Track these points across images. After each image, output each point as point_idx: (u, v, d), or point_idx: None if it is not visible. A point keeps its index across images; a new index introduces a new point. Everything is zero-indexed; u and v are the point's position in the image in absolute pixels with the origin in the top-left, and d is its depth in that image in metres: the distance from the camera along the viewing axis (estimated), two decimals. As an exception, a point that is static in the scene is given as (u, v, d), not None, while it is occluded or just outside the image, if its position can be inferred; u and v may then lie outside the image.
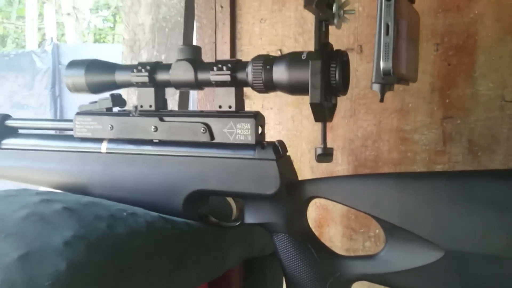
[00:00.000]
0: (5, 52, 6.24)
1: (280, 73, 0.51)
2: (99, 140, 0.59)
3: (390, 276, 0.48)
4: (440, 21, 0.97)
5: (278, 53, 1.10)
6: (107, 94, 0.61)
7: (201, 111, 0.56)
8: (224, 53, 1.13)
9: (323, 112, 0.49)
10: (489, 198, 0.45)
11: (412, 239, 0.46)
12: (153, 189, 0.56)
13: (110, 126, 0.58)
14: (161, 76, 0.56)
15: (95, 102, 0.60)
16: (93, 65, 0.59)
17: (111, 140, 0.58)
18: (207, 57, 1.15)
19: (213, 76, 0.53)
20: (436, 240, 0.45)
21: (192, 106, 1.20)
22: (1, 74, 5.06)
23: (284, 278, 0.54)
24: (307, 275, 0.52)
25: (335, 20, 0.49)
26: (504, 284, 0.44)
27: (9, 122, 0.66)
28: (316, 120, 0.50)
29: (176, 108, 1.14)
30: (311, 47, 1.08)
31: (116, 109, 0.61)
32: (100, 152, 0.59)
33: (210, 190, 0.54)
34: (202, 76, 0.54)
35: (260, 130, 0.54)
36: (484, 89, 0.95)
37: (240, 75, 0.53)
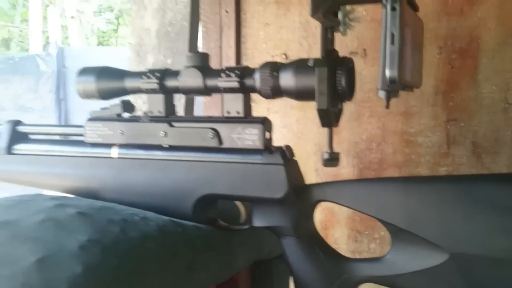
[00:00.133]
0: (10, 55, 6.27)
1: (287, 79, 0.52)
2: (110, 146, 0.60)
3: (396, 278, 0.49)
4: (444, 25, 0.98)
5: (283, 57, 1.11)
6: (117, 100, 0.62)
7: (210, 117, 0.57)
8: (229, 57, 1.15)
9: (329, 118, 0.50)
10: (492, 201, 0.46)
11: (417, 242, 0.48)
12: (163, 193, 0.58)
13: (121, 131, 0.59)
14: (170, 83, 0.57)
15: (106, 108, 0.62)
16: (104, 72, 0.60)
17: (122, 146, 0.60)
18: (212, 61, 1.16)
19: (221, 82, 0.54)
20: (441, 243, 0.46)
21: (197, 110, 1.21)
22: (6, 77, 5.09)
23: (292, 280, 0.55)
24: (314, 277, 0.53)
25: (341, 28, 0.50)
26: (508, 286, 0.45)
27: (20, 128, 0.68)
28: (323, 125, 0.51)
29: (181, 112, 1.15)
30: (315, 50, 1.09)
31: (126, 115, 0.62)
32: (111, 157, 0.60)
33: (219, 194, 0.55)
34: (210, 82, 0.55)
35: (267, 135, 0.55)
36: (488, 92, 0.96)
37: (248, 82, 0.54)
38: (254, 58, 1.13)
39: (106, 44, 9.92)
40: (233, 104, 0.55)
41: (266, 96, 0.54)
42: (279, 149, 0.54)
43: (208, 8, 1.16)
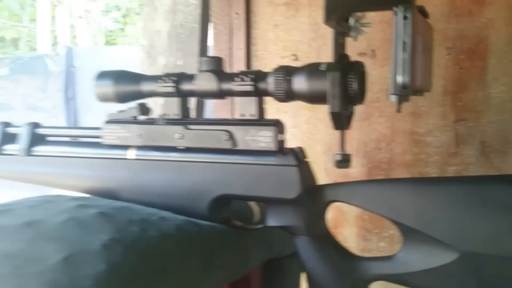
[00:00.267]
0: (19, 55, 6.33)
1: (300, 83, 0.53)
2: (127, 147, 0.62)
3: (407, 276, 0.50)
4: (452, 26, 0.99)
5: (293, 58, 1.12)
6: (133, 103, 0.64)
7: (224, 119, 0.59)
8: (239, 59, 1.16)
9: (342, 121, 0.52)
10: (501, 201, 0.47)
11: (428, 241, 0.49)
12: (179, 193, 0.59)
13: (138, 133, 0.61)
14: (186, 86, 0.59)
15: (123, 111, 0.63)
16: (121, 76, 0.62)
17: (139, 147, 0.61)
18: (223, 63, 1.18)
19: (236, 86, 0.56)
20: (451, 242, 0.48)
21: (207, 111, 1.23)
22: (16, 77, 5.13)
23: (306, 277, 0.57)
24: (327, 275, 0.54)
25: (353, 33, 0.52)
26: (517, 284, 0.47)
27: (38, 130, 0.70)
28: (336, 128, 0.53)
29: (192, 114, 1.17)
30: (324, 51, 1.11)
31: (142, 118, 0.64)
32: (128, 159, 0.62)
33: (234, 195, 0.57)
34: (225, 86, 0.57)
35: (280, 137, 0.56)
36: (496, 92, 0.97)
37: (262, 85, 0.55)
38: (263, 59, 1.15)
39: (113, 43, 9.96)
40: (247, 107, 0.57)
41: (280, 99, 0.56)
42: (292, 150, 0.55)
43: (218, 10, 1.18)
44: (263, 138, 0.56)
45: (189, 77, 0.59)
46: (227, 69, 1.15)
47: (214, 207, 0.58)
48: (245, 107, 0.57)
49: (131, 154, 0.62)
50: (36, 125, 0.70)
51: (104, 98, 0.63)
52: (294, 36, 1.13)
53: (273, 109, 1.19)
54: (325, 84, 0.51)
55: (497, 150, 0.97)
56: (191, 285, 0.50)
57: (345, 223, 1.08)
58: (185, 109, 0.61)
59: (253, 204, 0.63)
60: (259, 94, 0.56)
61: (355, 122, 1.08)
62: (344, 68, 0.51)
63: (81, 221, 0.48)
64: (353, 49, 1.06)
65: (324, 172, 1.11)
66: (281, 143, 0.56)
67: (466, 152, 0.99)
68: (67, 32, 7.26)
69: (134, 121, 0.62)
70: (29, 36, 8.83)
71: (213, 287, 0.53)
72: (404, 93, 0.40)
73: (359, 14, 0.51)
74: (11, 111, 5.06)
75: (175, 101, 0.60)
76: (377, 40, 1.05)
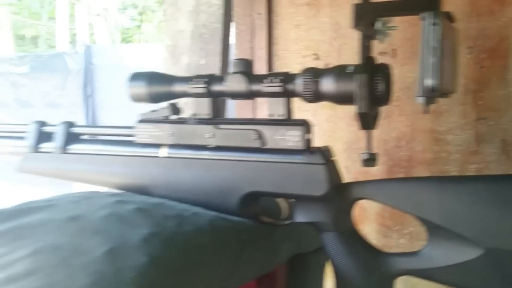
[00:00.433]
0: (39, 53, 6.43)
1: (328, 85, 0.55)
2: (160, 146, 0.65)
3: (432, 271, 0.52)
4: (473, 25, 1.00)
5: (314, 58, 1.14)
6: (165, 104, 0.67)
7: (253, 119, 0.61)
8: (261, 58, 1.18)
9: (368, 121, 0.54)
10: (524, 200, 0.49)
11: (453, 237, 0.51)
12: (210, 190, 0.62)
13: (170, 132, 0.64)
14: (217, 87, 0.61)
15: (155, 110, 0.66)
16: (154, 78, 0.65)
17: (171, 146, 0.64)
18: (244, 62, 1.20)
19: (265, 87, 0.58)
20: (476, 238, 0.49)
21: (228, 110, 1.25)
22: (36, 74, 5.23)
23: (333, 273, 0.59)
24: (354, 270, 0.56)
25: (379, 36, 0.54)
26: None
27: (73, 129, 0.73)
28: (362, 128, 0.55)
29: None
30: (345, 51, 1.12)
31: (173, 117, 0.66)
32: (160, 157, 0.64)
33: (263, 192, 0.59)
34: (255, 87, 0.59)
35: (308, 137, 0.59)
36: (517, 91, 0.97)
37: (291, 86, 0.58)
38: (285, 59, 1.17)
39: (129, 40, 10.05)
40: (276, 108, 0.59)
41: (308, 100, 0.58)
42: (320, 149, 0.57)
43: (240, 10, 1.20)
44: (291, 138, 0.58)
45: (220, 79, 0.61)
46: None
47: (243, 203, 0.60)
48: (273, 107, 0.59)
49: (163, 152, 0.65)
50: (71, 124, 0.73)
51: (137, 98, 0.66)
52: (315, 36, 1.14)
53: (294, 108, 1.22)
54: (352, 86, 0.53)
55: (518, 149, 0.98)
56: (224, 278, 0.52)
57: (366, 220, 1.10)
58: (215, 109, 0.63)
59: (280, 201, 0.65)
60: (288, 95, 0.58)
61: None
62: (370, 70, 0.53)
63: (121, 216, 0.51)
64: (374, 48, 1.08)
65: (344, 170, 1.11)
66: (308, 142, 0.58)
67: (487, 151, 1.00)
68: (85, 30, 7.36)
69: (166, 120, 0.65)
70: (48, 34, 8.97)
71: (244, 280, 0.56)
72: (433, 95, 0.42)
73: (385, 18, 0.53)
74: (31, 108, 5.16)
75: (205, 102, 0.63)
76: (397, 39, 1.06)
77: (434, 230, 0.52)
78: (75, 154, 0.71)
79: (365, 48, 0.54)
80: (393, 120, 1.07)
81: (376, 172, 1.09)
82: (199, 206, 0.60)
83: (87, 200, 0.55)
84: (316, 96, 0.57)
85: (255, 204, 0.62)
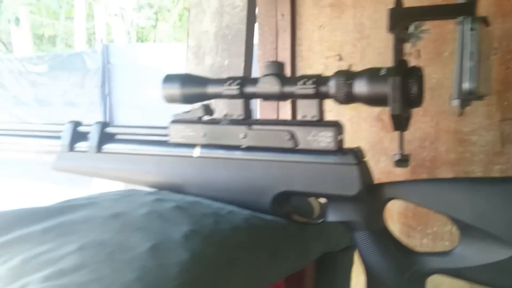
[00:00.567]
0: (58, 53, 6.53)
1: (361, 87, 0.56)
2: (193, 146, 0.66)
3: (465, 270, 0.53)
4: (499, 26, 1.00)
5: (337, 58, 1.15)
6: (197, 104, 0.68)
7: (286, 120, 0.62)
8: (284, 59, 1.20)
9: (402, 122, 0.55)
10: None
11: (485, 237, 0.51)
12: (242, 189, 0.63)
13: (203, 133, 0.65)
14: (249, 89, 0.63)
15: (188, 111, 0.68)
16: (187, 79, 0.66)
17: (204, 146, 0.66)
18: (268, 62, 1.22)
19: (298, 89, 0.59)
20: (509, 238, 0.50)
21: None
22: (54, 74, 5.31)
23: (365, 271, 0.60)
24: (386, 269, 0.57)
25: (412, 39, 0.55)
26: None
27: (107, 129, 0.75)
28: (396, 129, 0.56)
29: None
30: (369, 52, 1.13)
31: (206, 118, 0.68)
32: (194, 156, 0.66)
33: (296, 191, 0.60)
34: (287, 89, 0.61)
35: (340, 137, 0.60)
36: (543, 92, 0.97)
37: (323, 88, 0.59)
38: (308, 60, 1.18)
39: (145, 39, 10.14)
40: (308, 109, 0.60)
41: (340, 102, 0.59)
42: (352, 150, 0.58)
43: (264, 11, 1.21)
44: (324, 138, 0.59)
45: (253, 81, 0.63)
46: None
47: (275, 202, 0.62)
48: (306, 109, 0.61)
49: (196, 152, 0.66)
50: (105, 124, 0.75)
51: (170, 100, 0.67)
52: (338, 37, 1.15)
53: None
54: (385, 88, 0.54)
55: (544, 150, 0.98)
56: (259, 275, 0.54)
57: (389, 220, 1.10)
58: (247, 110, 0.65)
59: (311, 200, 0.67)
60: (320, 96, 0.60)
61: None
62: (404, 73, 0.54)
63: (161, 213, 0.53)
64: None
65: (367, 170, 1.13)
66: (340, 143, 0.60)
67: (512, 151, 1.00)
68: (104, 30, 7.44)
69: (199, 121, 0.66)
70: (65, 34, 9.08)
71: (278, 277, 0.57)
72: (470, 98, 0.43)
73: (418, 22, 0.54)
74: (50, 107, 5.25)
75: (238, 103, 0.64)
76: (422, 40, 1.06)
77: (467, 230, 0.53)
78: (109, 153, 0.73)
79: (398, 51, 0.55)
80: (417, 120, 1.07)
81: (399, 172, 1.09)
82: (232, 205, 0.62)
83: (126, 198, 0.57)
84: (348, 98, 0.58)
85: (287, 203, 0.64)
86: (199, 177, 0.66)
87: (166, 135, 0.69)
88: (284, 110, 1.23)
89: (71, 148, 0.75)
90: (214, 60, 1.28)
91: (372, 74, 0.56)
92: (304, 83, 0.59)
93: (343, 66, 1.16)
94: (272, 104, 1.20)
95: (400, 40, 0.55)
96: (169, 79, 0.67)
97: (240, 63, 1.24)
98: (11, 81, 5.41)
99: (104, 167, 0.74)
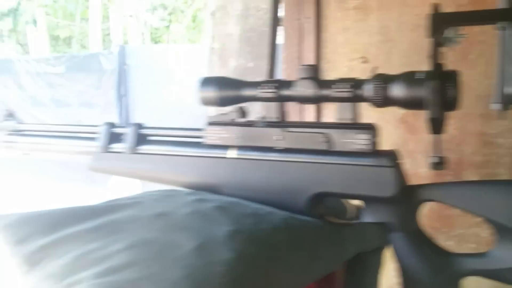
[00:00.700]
0: (75, 54, 6.61)
1: (398, 90, 0.57)
2: (229, 147, 0.68)
3: (501, 272, 0.54)
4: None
5: (362, 61, 1.16)
6: (232, 107, 0.70)
7: (321, 123, 0.63)
8: (309, 61, 1.21)
9: (439, 126, 0.56)
10: None
11: (523, 240, 0.52)
12: (278, 190, 0.64)
13: (239, 135, 0.67)
14: (285, 92, 0.64)
15: (224, 114, 0.69)
16: (223, 82, 0.68)
17: (240, 147, 0.67)
18: (292, 65, 1.23)
19: (334, 92, 0.61)
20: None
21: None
22: (71, 75, 5.38)
23: (400, 272, 0.61)
24: (421, 269, 0.58)
25: (449, 44, 0.56)
26: None
27: (143, 130, 0.76)
28: (433, 132, 0.56)
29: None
30: (394, 54, 1.14)
31: (241, 120, 0.69)
32: (229, 158, 0.67)
33: (331, 192, 0.62)
34: (324, 92, 0.62)
35: (375, 140, 0.61)
36: None
37: (359, 92, 0.60)
38: (333, 62, 1.19)
39: (158, 40, 10.20)
40: (344, 112, 0.61)
41: (376, 105, 0.60)
42: (388, 152, 0.59)
43: (289, 14, 1.22)
44: (360, 141, 0.60)
45: (289, 84, 0.64)
46: (295, 72, 1.19)
47: (310, 203, 0.63)
48: (341, 112, 0.62)
49: (232, 153, 0.68)
50: (140, 125, 0.77)
51: (207, 102, 0.69)
52: (363, 39, 1.16)
53: (329, 109, 1.24)
54: (422, 92, 0.55)
55: None
56: (299, 275, 0.55)
57: (414, 221, 1.11)
58: (283, 112, 0.66)
59: (346, 201, 0.68)
60: (356, 99, 0.61)
61: (425, 123, 1.11)
62: (442, 76, 0.55)
63: (203, 213, 0.54)
64: (422, 51, 1.09)
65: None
66: (376, 145, 0.61)
67: (539, 154, 1.00)
68: (120, 31, 7.51)
69: (235, 123, 0.68)
70: (80, 35, 9.18)
71: (316, 277, 0.58)
72: (510, 101, 0.44)
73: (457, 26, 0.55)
74: (67, 107, 5.31)
75: (274, 106, 0.65)
76: (447, 43, 1.07)
77: (504, 232, 0.54)
78: (145, 154, 0.75)
79: (436, 55, 0.56)
80: (442, 123, 1.08)
81: (424, 174, 1.10)
82: (267, 205, 0.63)
83: (169, 198, 0.59)
84: (385, 101, 0.59)
85: (322, 204, 0.65)
86: (234, 178, 0.67)
87: (200, 137, 0.71)
88: (309, 112, 1.24)
89: (107, 149, 0.77)
90: (239, 62, 1.30)
91: (410, 77, 0.57)
92: (341, 87, 0.60)
93: (368, 68, 1.17)
94: (294, 105, 1.21)
95: (438, 44, 0.56)
96: (206, 82, 0.69)
97: (264, 65, 1.25)
98: (29, 82, 5.49)
99: (139, 168, 0.75)
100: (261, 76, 1.24)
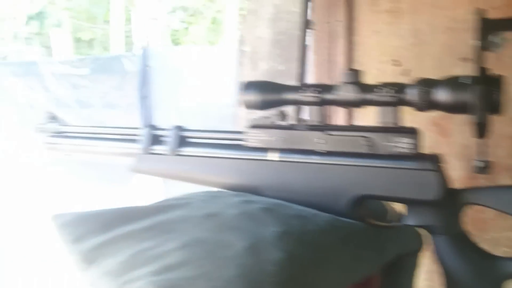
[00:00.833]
0: (98, 56, 6.71)
1: (442, 95, 0.58)
2: (271, 150, 0.69)
3: (548, 275, 0.54)
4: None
5: (394, 64, 1.16)
6: (275, 110, 0.71)
7: (364, 126, 0.64)
8: (339, 64, 1.22)
9: (484, 130, 0.56)
10: None
11: None
12: (319, 192, 0.66)
13: (281, 138, 0.68)
14: (328, 96, 0.65)
15: (267, 117, 0.70)
16: (266, 87, 0.69)
17: (281, 150, 0.68)
18: (323, 67, 1.24)
19: (377, 97, 0.62)
20: None
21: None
22: (95, 76, 5.45)
23: (443, 275, 0.62)
24: (464, 272, 0.59)
25: (494, 48, 0.56)
26: None
27: (184, 133, 0.78)
28: (479, 136, 0.57)
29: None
30: (426, 57, 1.14)
31: (283, 123, 0.70)
32: (272, 160, 0.69)
33: (374, 195, 0.62)
34: (367, 96, 0.63)
35: (418, 144, 0.61)
36: None
37: (403, 96, 0.61)
38: (364, 65, 1.19)
39: (178, 42, 10.28)
40: (387, 115, 0.62)
41: (419, 109, 0.61)
42: (432, 156, 0.60)
43: (319, 17, 1.23)
44: (402, 144, 0.61)
45: (331, 88, 0.65)
46: (327, 74, 1.20)
47: (352, 205, 0.64)
48: (384, 115, 0.63)
49: (274, 156, 0.69)
50: (181, 128, 0.79)
51: (250, 105, 0.70)
52: (394, 42, 1.16)
53: (359, 111, 1.24)
54: (467, 96, 0.56)
55: None
56: (345, 275, 0.56)
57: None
58: (325, 116, 0.67)
59: (385, 203, 0.69)
60: (399, 103, 0.62)
61: (457, 126, 1.11)
62: (487, 81, 0.55)
63: (251, 214, 0.56)
64: (456, 54, 1.09)
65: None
66: (419, 148, 0.61)
67: None
68: (142, 33, 7.60)
69: (277, 126, 0.69)
70: (102, 37, 9.30)
71: (358, 278, 0.59)
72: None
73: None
74: (90, 109, 5.40)
75: (316, 109, 0.67)
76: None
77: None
78: (186, 156, 0.77)
79: (481, 60, 0.56)
80: (475, 126, 1.07)
81: (456, 177, 1.09)
82: (308, 207, 0.64)
83: (215, 199, 0.60)
84: (429, 106, 0.59)
85: (363, 206, 0.66)
86: (276, 180, 0.69)
87: (240, 139, 0.72)
88: (337, 116, 1.25)
89: (149, 150, 0.79)
90: (269, 65, 1.31)
91: (454, 82, 0.57)
92: (384, 91, 0.61)
93: (399, 71, 1.17)
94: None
95: (483, 48, 0.56)
96: (249, 86, 0.70)
97: (294, 68, 1.26)
98: (54, 83, 5.59)
99: (181, 169, 0.77)
100: (291, 79, 1.25)
